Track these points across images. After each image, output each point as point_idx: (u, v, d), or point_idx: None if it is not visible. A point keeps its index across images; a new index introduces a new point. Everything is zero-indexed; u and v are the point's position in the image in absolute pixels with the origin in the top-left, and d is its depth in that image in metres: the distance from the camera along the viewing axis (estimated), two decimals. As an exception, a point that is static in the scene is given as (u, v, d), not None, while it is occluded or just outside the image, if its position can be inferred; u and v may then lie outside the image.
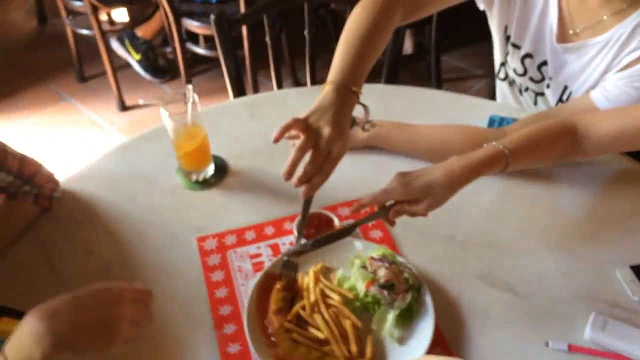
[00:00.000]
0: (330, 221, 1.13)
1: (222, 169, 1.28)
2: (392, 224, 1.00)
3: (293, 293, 0.99)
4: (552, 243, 1.11)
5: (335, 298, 0.99)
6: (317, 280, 1.01)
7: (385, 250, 1.05)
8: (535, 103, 1.37)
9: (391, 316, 0.97)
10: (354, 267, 1.03)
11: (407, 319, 0.98)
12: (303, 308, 0.97)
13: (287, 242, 1.13)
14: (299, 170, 0.96)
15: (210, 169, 1.26)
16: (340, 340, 0.93)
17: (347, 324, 0.96)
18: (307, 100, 1.53)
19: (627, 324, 0.96)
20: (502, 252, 1.10)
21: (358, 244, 1.09)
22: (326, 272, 1.05)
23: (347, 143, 0.95)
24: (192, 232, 1.15)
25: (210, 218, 1.18)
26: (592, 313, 0.97)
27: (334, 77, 0.99)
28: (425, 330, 0.96)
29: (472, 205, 1.18)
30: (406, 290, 0.99)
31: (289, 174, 0.93)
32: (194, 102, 1.14)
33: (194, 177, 1.25)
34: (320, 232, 1.11)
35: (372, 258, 1.03)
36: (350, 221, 1.00)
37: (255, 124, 1.40)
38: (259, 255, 1.11)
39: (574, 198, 1.19)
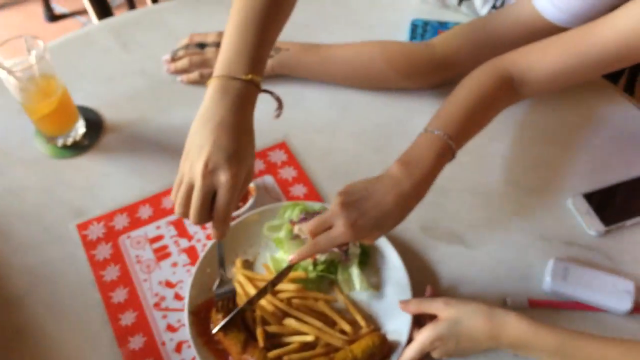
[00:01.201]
0: (241, 183, 0.92)
1: (95, 124, 1.02)
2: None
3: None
4: (496, 176, 0.98)
5: (289, 288, 0.81)
6: (255, 282, 0.82)
7: (299, 206, 0.88)
8: (459, 4, 1.17)
9: (354, 268, 0.84)
10: (283, 243, 0.85)
11: (368, 261, 0.86)
12: (264, 323, 0.79)
13: (193, 215, 0.92)
14: None
15: (80, 128, 0.99)
16: (327, 328, 0.78)
17: (322, 306, 0.80)
18: (189, 16, 1.25)
19: (588, 265, 0.86)
20: (442, 194, 0.95)
21: (259, 216, 0.90)
22: (249, 266, 0.87)
23: (244, 163, 0.69)
24: (69, 217, 0.92)
25: (89, 194, 0.94)
26: (551, 260, 0.86)
27: (221, 69, 0.72)
28: (391, 259, 0.85)
29: (404, 140, 1.00)
30: None
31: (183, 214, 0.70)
32: (39, 51, 0.86)
33: (59, 142, 0.98)
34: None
35: (295, 222, 0.86)
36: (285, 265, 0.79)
37: (129, 57, 1.12)
38: (160, 237, 0.90)
39: (515, 116, 1.05)
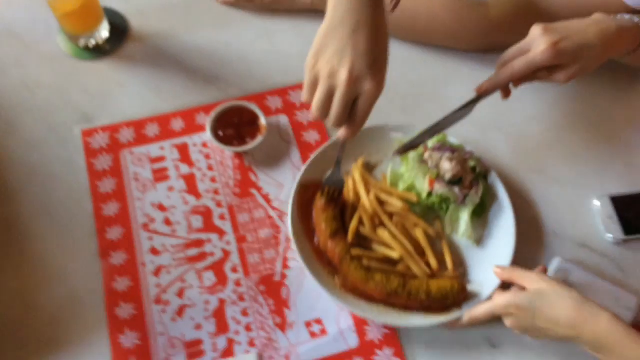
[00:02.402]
0: (254, 118, 0.89)
1: (120, 30, 0.99)
2: (508, 95, 0.79)
3: (341, 206, 0.82)
4: (523, 160, 0.91)
5: (396, 204, 0.81)
6: (367, 185, 0.83)
7: (440, 135, 0.86)
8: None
9: (465, 215, 0.82)
10: (409, 161, 0.85)
11: (482, 214, 0.84)
12: (360, 222, 0.80)
13: (199, 142, 0.90)
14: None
15: (103, 31, 0.97)
16: (415, 255, 0.79)
17: (418, 233, 0.80)
18: None
19: (593, 271, 0.81)
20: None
21: (398, 130, 0.88)
22: (369, 168, 0.88)
23: (385, 69, 0.65)
24: (76, 121, 0.90)
25: (101, 101, 0.92)
26: (556, 259, 0.81)
27: None
28: (504, 225, 0.83)
29: (435, 105, 0.94)
30: (476, 181, 0.83)
31: (321, 117, 0.67)
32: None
33: (82, 42, 0.96)
34: (240, 133, 0.88)
35: (430, 148, 0.85)
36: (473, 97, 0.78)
37: (168, -34, 1.07)
38: (162, 159, 0.88)
39: (561, 100, 0.97)
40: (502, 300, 0.71)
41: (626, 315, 0.77)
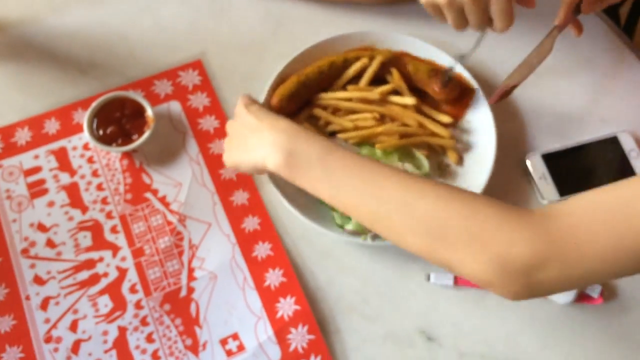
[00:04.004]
0: (139, 109, 0.77)
1: (-27, 21, 0.85)
2: (581, 30, 0.75)
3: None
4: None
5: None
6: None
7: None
8: None
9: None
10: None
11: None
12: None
13: (79, 144, 0.78)
14: None
15: (-47, 25, 0.82)
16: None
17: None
18: None
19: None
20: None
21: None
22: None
23: None
24: None
25: (-42, 109, 0.79)
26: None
27: None
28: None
29: (344, 69, 0.84)
30: None
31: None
32: None
33: None
34: (125, 129, 0.76)
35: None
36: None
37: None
38: (37, 169, 0.76)
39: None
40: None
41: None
